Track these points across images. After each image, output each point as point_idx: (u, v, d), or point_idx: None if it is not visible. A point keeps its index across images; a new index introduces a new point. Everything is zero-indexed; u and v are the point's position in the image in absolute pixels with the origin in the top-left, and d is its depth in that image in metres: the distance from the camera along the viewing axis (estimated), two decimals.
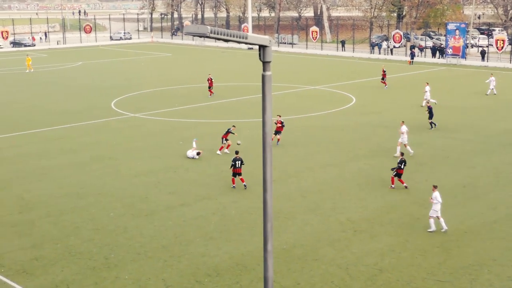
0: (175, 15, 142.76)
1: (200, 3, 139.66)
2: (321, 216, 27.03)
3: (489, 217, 26.90)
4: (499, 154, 37.11)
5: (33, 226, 26.32)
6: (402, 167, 30.86)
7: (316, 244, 24.15)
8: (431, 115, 43.23)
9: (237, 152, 31.59)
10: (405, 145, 36.07)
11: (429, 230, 25.40)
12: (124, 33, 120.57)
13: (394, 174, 31.04)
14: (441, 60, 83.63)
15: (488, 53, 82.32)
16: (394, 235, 25.00)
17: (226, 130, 37.33)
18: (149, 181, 32.22)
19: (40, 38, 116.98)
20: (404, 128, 36.14)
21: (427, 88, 52.19)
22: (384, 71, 62.52)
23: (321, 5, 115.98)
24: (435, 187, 25.74)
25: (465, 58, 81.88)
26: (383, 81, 61.86)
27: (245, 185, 30.79)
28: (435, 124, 43.29)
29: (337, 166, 34.66)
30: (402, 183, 30.97)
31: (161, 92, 60.36)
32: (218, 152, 36.63)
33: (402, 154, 32.08)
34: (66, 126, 45.26)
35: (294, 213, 27.36)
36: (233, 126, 37.98)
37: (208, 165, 34.01)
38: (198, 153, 36.13)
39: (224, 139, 36.86)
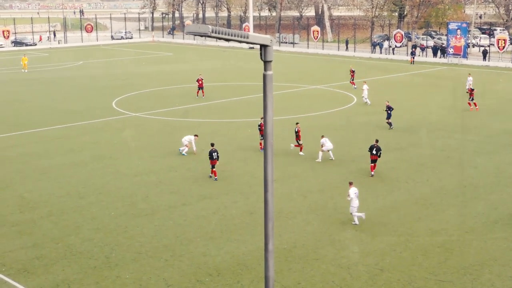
0: (176, 15, 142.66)
1: (201, 2, 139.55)
2: (322, 216, 27.02)
3: (490, 217, 26.88)
4: (500, 154, 37.09)
5: (34, 226, 26.33)
6: (374, 152, 32.39)
7: (317, 244, 24.15)
8: (388, 115, 43.07)
9: (212, 145, 32.40)
10: (321, 150, 35.44)
11: (353, 223, 25.97)
12: (125, 32, 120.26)
13: (371, 162, 32.71)
14: (443, 60, 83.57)
15: (489, 52, 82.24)
16: (395, 235, 24.99)
17: (295, 130, 36.73)
18: (150, 180, 32.23)
19: (48, 37, 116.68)
20: (324, 141, 35.24)
21: (365, 86, 52.29)
22: (352, 71, 61.68)
23: (322, 5, 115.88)
24: (350, 183, 26.47)
25: (467, 57, 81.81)
26: (352, 81, 60.86)
27: (216, 179, 31.88)
28: (391, 125, 42.96)
29: (338, 166, 34.66)
30: (372, 169, 32.59)
31: (162, 91, 60.34)
32: (301, 153, 36.56)
33: (376, 141, 33.16)
34: (67, 126, 45.31)
35: (295, 213, 27.36)
36: (297, 123, 37.31)
37: (209, 165, 33.98)
38: (195, 135, 36.69)
39: (297, 141, 36.54)
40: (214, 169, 32.08)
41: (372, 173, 32.61)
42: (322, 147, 35.22)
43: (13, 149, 39.03)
